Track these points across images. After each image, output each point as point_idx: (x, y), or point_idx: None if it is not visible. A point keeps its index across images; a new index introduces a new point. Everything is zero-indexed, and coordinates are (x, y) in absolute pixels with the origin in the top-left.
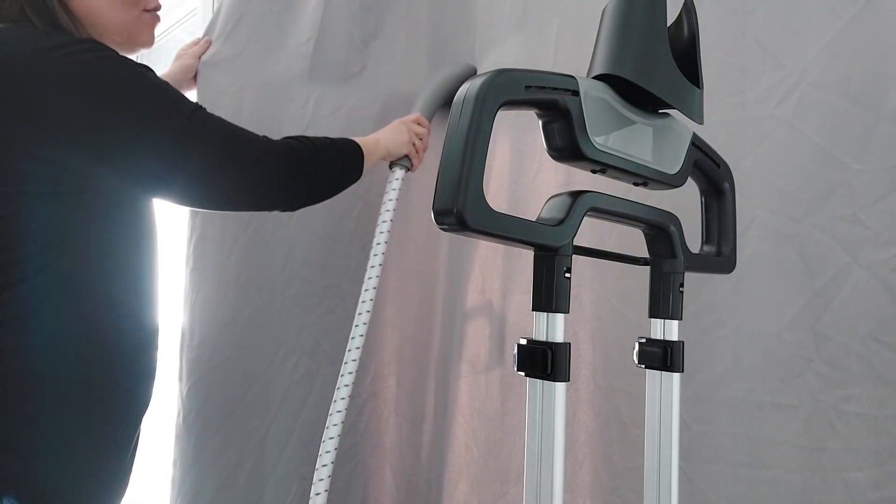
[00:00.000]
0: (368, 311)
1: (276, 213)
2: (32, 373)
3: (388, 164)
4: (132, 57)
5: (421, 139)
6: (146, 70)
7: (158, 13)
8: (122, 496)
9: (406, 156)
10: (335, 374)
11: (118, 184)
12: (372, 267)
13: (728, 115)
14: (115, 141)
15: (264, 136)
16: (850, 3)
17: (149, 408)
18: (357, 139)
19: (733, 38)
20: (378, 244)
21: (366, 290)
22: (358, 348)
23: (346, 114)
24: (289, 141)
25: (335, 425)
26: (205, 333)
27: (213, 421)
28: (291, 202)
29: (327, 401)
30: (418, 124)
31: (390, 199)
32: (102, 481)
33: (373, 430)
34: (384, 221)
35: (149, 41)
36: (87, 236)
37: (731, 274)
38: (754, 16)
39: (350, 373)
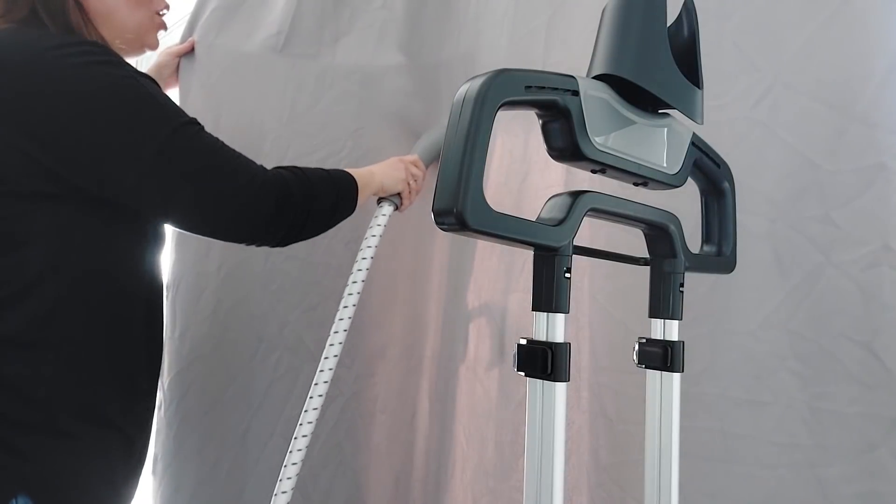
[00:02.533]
0: (341, 344)
1: None
2: (46, 374)
3: (376, 199)
4: (136, 58)
5: (416, 181)
6: (142, 78)
7: (165, 19)
8: (133, 497)
9: (398, 194)
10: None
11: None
12: (345, 308)
13: (706, 117)
14: (100, 146)
15: (259, 166)
16: (823, 7)
17: (157, 404)
18: (352, 171)
19: (711, 41)
20: (354, 283)
21: (340, 320)
22: (335, 356)
23: (325, 108)
24: (280, 171)
25: (309, 423)
26: (185, 325)
27: (193, 414)
28: (280, 237)
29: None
30: (416, 167)
31: (374, 235)
32: (113, 482)
33: (357, 429)
34: (364, 258)
35: (155, 43)
36: (96, 233)
37: (705, 273)
38: (731, 19)
39: (325, 381)
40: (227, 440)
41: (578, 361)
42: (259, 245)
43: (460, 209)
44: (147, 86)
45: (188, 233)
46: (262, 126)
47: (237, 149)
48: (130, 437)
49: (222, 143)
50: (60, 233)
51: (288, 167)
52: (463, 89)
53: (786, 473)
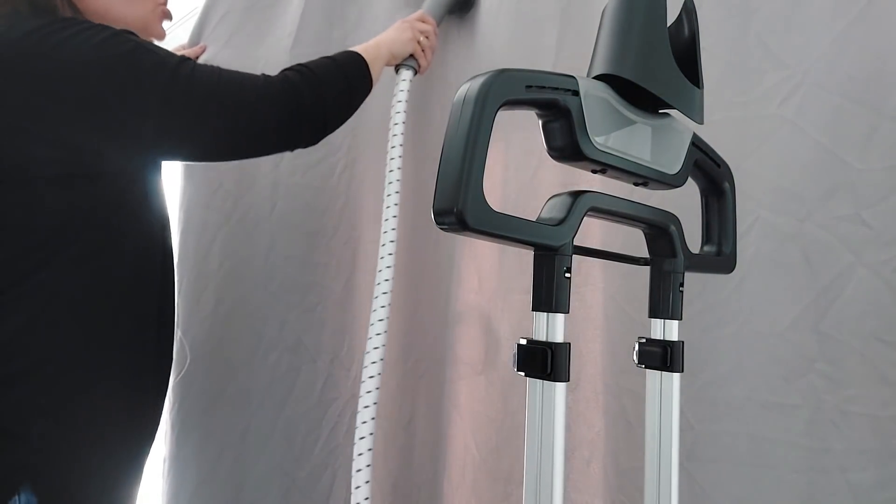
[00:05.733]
0: (391, 254)
1: (255, 207)
2: (50, 363)
3: (393, 68)
4: None
5: (427, 37)
6: (125, 33)
7: (168, 8)
8: (138, 490)
9: (412, 56)
10: (317, 372)
11: (126, 157)
12: (388, 195)
13: (731, 114)
14: (106, 109)
15: (262, 76)
16: (852, 2)
17: (166, 398)
18: (357, 48)
19: (736, 37)
20: (392, 159)
21: (386, 220)
22: (384, 329)
23: None
24: (286, 74)
25: (364, 437)
26: (187, 323)
27: (194, 413)
28: (307, 137)
29: (309, 398)
30: (423, 22)
31: (399, 102)
32: (117, 475)
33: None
34: (396, 125)
35: (162, 33)
36: (100, 220)
37: (733, 273)
38: (757, 15)
39: (374, 363)
40: (228, 439)
41: (596, 363)
42: (293, 149)
43: (460, 209)
44: (133, 38)
45: (225, 161)
46: None
47: None
48: (135, 432)
49: (220, 69)
50: (68, 216)
51: (293, 67)
52: (463, 89)
53: (816, 478)
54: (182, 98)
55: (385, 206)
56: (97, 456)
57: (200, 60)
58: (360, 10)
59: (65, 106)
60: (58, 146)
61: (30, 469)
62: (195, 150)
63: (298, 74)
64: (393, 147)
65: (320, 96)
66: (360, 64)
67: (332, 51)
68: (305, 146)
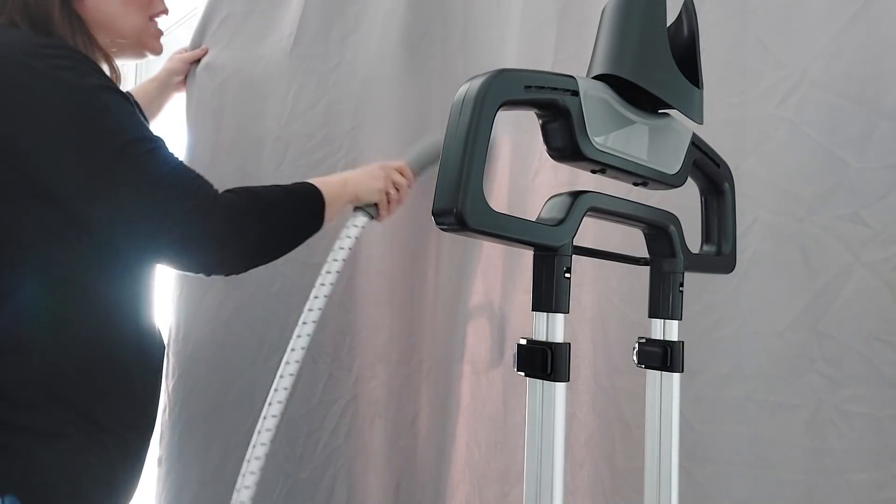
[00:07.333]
0: (297, 362)
1: None
2: (36, 375)
3: (352, 206)
4: (143, 62)
5: (398, 190)
6: (108, 92)
7: (160, 25)
8: (131, 498)
9: (375, 204)
10: (318, 373)
11: (56, 210)
12: (304, 324)
13: (729, 114)
14: (53, 152)
15: (213, 190)
16: (850, 2)
17: (157, 419)
18: (321, 182)
19: (734, 38)
20: (316, 298)
21: (298, 337)
22: (291, 375)
23: (324, 108)
24: (227, 195)
25: (268, 430)
26: (189, 327)
27: (197, 415)
28: (230, 264)
29: (311, 400)
30: (400, 174)
31: (342, 248)
32: (108, 482)
33: (356, 433)
34: (328, 273)
35: (159, 48)
36: (83, 235)
37: (732, 273)
38: (755, 15)
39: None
40: (230, 443)
41: (594, 364)
42: (210, 274)
43: (460, 209)
44: (109, 98)
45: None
46: (262, 128)
47: (236, 153)
48: (125, 438)
49: (178, 163)
50: (45, 235)
51: (239, 188)
52: (463, 89)
53: (816, 479)
54: (118, 170)
55: (296, 334)
56: (85, 468)
57: (202, 62)
58: (359, 10)
59: (21, 139)
60: (19, 172)
61: (14, 479)
62: (121, 234)
63: (238, 198)
64: (316, 298)
65: (257, 225)
66: (313, 201)
67: (331, 51)
68: (227, 273)
